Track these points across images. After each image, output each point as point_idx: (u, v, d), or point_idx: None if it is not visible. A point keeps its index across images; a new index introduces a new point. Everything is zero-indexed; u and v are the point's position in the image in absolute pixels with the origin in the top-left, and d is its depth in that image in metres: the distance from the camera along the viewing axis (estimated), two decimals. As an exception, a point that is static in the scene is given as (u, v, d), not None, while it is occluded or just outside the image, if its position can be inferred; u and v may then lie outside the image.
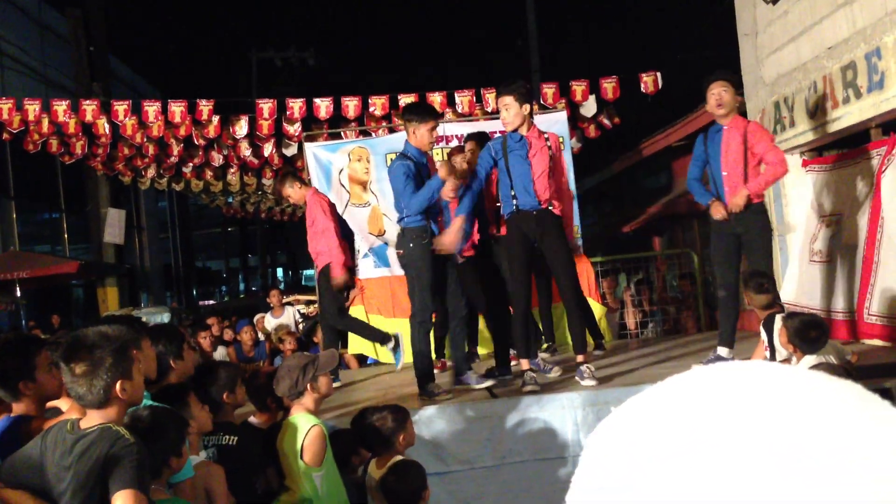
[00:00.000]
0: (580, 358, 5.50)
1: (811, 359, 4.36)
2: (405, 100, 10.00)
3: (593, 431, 0.66)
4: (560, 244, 5.54)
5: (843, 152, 7.06)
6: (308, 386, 3.96)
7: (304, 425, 3.83)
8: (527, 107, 5.46)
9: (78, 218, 18.97)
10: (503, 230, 5.92)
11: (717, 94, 5.63)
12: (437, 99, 9.88)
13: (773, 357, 4.76)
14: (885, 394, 3.45)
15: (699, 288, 10.12)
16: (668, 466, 0.56)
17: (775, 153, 5.55)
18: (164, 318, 11.44)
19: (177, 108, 10.20)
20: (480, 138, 6.74)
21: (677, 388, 0.64)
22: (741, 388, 0.60)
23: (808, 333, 4.38)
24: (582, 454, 0.65)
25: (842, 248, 6.81)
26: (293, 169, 7.08)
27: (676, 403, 0.62)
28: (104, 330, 2.69)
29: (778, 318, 4.88)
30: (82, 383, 2.58)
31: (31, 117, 10.13)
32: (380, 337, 6.69)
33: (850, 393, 0.60)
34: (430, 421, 5.05)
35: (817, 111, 6.81)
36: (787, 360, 4.49)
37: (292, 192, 6.83)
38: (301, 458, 3.76)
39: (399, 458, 4.03)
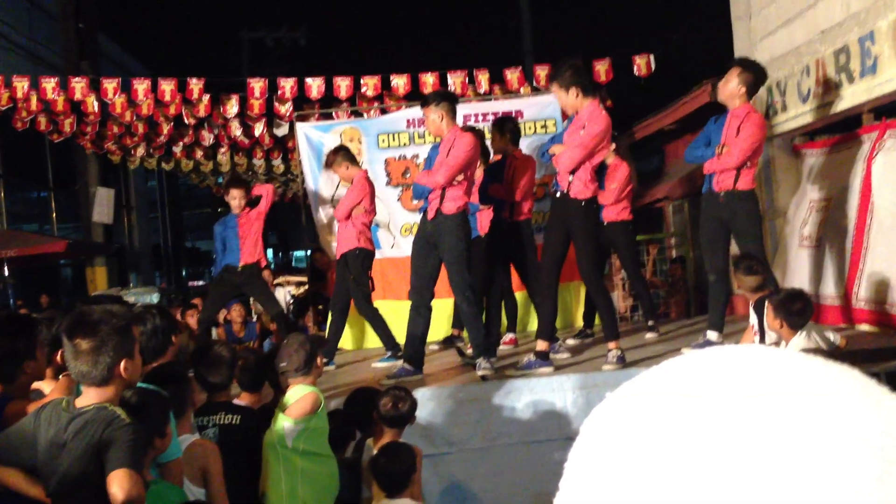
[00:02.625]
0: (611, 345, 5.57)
1: (801, 341, 4.37)
2: (397, 80, 9.95)
3: (587, 416, 0.65)
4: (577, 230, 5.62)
5: (835, 137, 7.06)
6: (316, 361, 4.01)
7: (302, 391, 3.85)
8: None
9: (67, 197, 18.86)
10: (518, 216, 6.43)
11: (724, 79, 5.69)
12: (429, 80, 9.83)
13: (762, 341, 4.77)
14: (875, 378, 3.46)
15: (690, 273, 10.15)
16: (667, 453, 0.56)
17: (730, 154, 5.55)
18: (153, 298, 11.41)
19: (167, 87, 10.13)
20: (500, 123, 6.87)
21: (672, 372, 0.63)
22: (737, 372, 0.59)
23: (793, 305, 4.40)
24: (576, 440, 0.64)
25: (831, 233, 6.82)
26: (342, 147, 7.15)
27: (673, 388, 0.61)
28: (110, 307, 2.68)
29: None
30: (86, 360, 2.57)
31: (19, 95, 10.03)
32: (391, 344, 6.70)
33: (847, 376, 0.59)
34: (421, 403, 5.03)
35: (810, 95, 6.80)
36: (776, 344, 4.51)
37: (341, 171, 6.96)
38: (285, 413, 3.78)
39: (391, 439, 4.04)
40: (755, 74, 5.67)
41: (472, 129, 6.33)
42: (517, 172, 6.56)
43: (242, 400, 4.19)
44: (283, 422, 3.77)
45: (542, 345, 5.56)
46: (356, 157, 7.20)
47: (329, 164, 7.27)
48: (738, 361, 0.61)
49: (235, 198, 6.99)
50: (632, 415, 0.61)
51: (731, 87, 5.65)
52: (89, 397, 2.61)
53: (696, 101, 9.80)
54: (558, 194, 5.59)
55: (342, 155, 6.98)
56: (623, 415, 0.62)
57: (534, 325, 7.38)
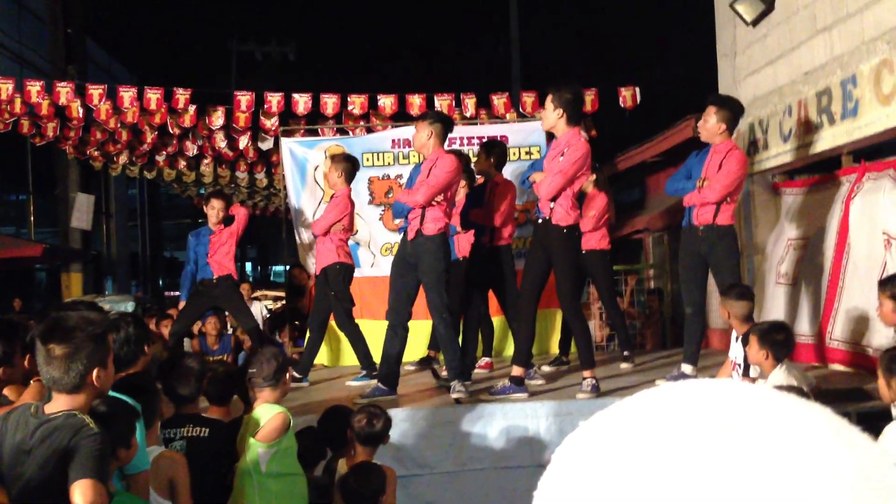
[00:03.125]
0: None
1: (781, 374, 4.37)
2: (384, 100, 9.97)
3: (559, 445, 0.65)
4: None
5: (814, 177, 7.15)
6: (285, 376, 3.97)
7: (270, 411, 3.80)
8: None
9: (46, 201, 18.70)
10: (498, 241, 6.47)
11: (702, 118, 5.78)
12: (416, 101, 9.86)
13: (746, 375, 4.77)
14: (846, 418, 3.47)
15: (666, 305, 10.20)
16: (639, 484, 0.56)
17: (711, 189, 5.60)
18: (128, 306, 11.30)
19: (153, 95, 10.09)
20: (489, 146, 6.90)
21: (646, 403, 0.63)
22: (711, 405, 0.60)
23: (777, 335, 4.42)
24: (548, 468, 0.64)
25: (808, 272, 6.89)
26: (353, 160, 7.11)
27: (646, 419, 0.61)
28: (86, 314, 2.65)
29: None
30: (58, 366, 2.53)
31: (3, 97, 9.96)
32: (367, 363, 6.66)
33: (821, 414, 0.59)
34: (393, 423, 5.02)
35: (791, 135, 6.89)
36: (754, 380, 4.52)
37: (332, 176, 6.91)
38: (254, 437, 3.73)
39: (364, 457, 4.02)
40: (732, 110, 5.75)
41: (456, 153, 6.35)
42: (497, 198, 6.59)
43: (211, 413, 4.15)
44: (257, 448, 3.73)
45: (517, 370, 5.56)
46: (353, 177, 7.11)
47: (331, 159, 7.24)
48: (712, 394, 0.61)
49: (215, 208, 6.96)
50: (604, 444, 0.61)
51: (710, 126, 5.72)
52: (59, 404, 2.57)
53: (679, 135, 9.90)
54: (540, 220, 5.61)
55: (344, 164, 6.90)
56: (595, 444, 0.62)
57: (510, 350, 7.38)
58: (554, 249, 5.52)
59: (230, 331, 9.12)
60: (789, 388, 4.04)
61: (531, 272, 5.69)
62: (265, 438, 3.74)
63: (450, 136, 7.62)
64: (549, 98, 5.50)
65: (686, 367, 5.85)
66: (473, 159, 7.30)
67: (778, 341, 4.40)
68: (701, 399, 0.61)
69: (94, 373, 2.58)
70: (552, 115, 5.48)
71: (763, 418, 0.57)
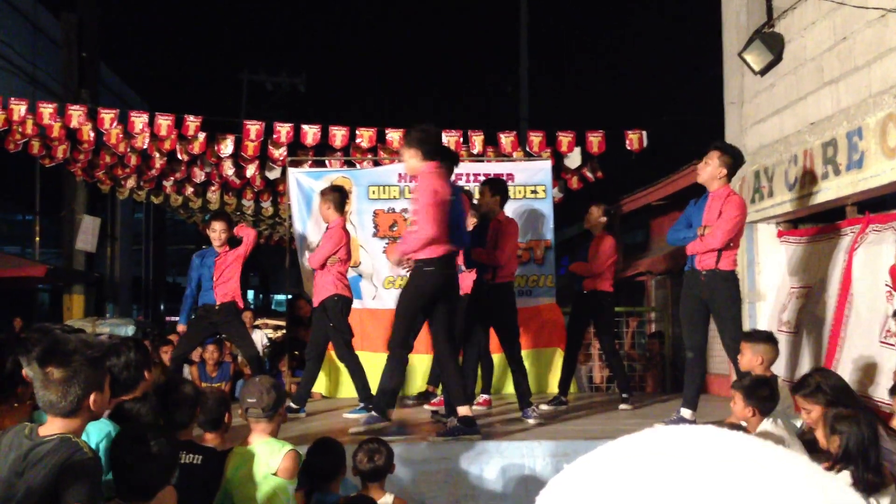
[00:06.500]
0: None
1: (769, 426, 4.36)
2: (392, 134, 10.04)
3: (545, 486, 0.66)
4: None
5: (818, 227, 7.17)
6: (283, 408, 3.97)
7: (279, 448, 3.76)
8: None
9: (52, 222, 18.75)
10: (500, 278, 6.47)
11: (703, 161, 5.85)
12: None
13: None
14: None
15: (667, 348, 10.17)
16: None
17: (713, 235, 5.63)
18: (129, 330, 11.27)
19: (164, 122, 10.17)
20: (496, 183, 6.90)
21: (626, 449, 0.64)
22: (692, 451, 0.61)
23: (761, 392, 4.40)
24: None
25: (810, 320, 6.88)
26: (339, 190, 7.14)
27: (629, 463, 0.62)
28: (84, 337, 2.64)
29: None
30: (56, 390, 2.52)
31: (15, 117, 10.04)
32: (365, 394, 6.64)
33: (797, 461, 0.61)
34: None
35: (796, 184, 6.92)
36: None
37: (323, 209, 6.98)
38: (276, 474, 3.70)
39: (374, 494, 4.01)
40: (734, 158, 5.84)
41: (461, 190, 6.39)
42: (501, 236, 6.60)
43: (206, 441, 4.12)
44: (289, 486, 3.70)
45: (463, 410, 5.42)
46: (345, 205, 7.15)
47: (321, 194, 7.27)
48: (694, 440, 0.63)
49: (216, 230, 6.85)
50: (586, 488, 0.62)
51: (711, 170, 5.79)
52: (54, 427, 2.56)
53: (684, 180, 9.95)
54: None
55: (332, 195, 6.94)
56: (577, 488, 0.63)
57: (509, 387, 7.36)
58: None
59: (230, 359, 9.10)
60: (774, 437, 4.07)
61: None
62: (291, 476, 3.72)
63: (456, 172, 7.72)
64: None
65: (685, 412, 5.82)
66: (477, 197, 7.32)
67: (764, 397, 4.39)
68: (682, 445, 0.62)
69: (92, 397, 2.57)
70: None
71: (739, 464, 0.59)
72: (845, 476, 3.35)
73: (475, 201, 7.24)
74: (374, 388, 6.34)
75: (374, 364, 7.04)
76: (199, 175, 11.98)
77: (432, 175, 5.42)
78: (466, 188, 7.75)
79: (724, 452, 0.61)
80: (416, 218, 5.42)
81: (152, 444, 2.88)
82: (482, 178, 8.01)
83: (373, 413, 5.63)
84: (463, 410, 5.34)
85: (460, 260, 6.45)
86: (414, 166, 5.56)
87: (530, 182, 8.76)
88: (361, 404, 6.58)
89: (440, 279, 5.43)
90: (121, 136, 10.49)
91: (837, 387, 4.38)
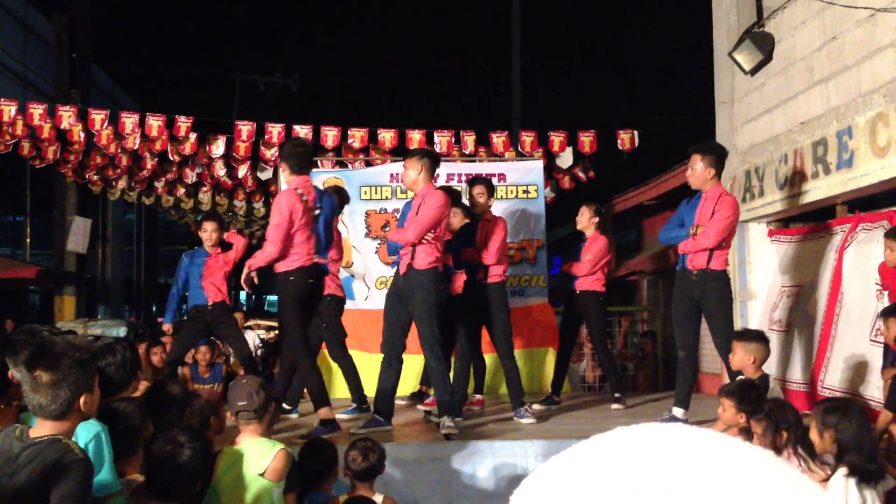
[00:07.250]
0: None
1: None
2: (384, 134, 10.04)
3: (517, 488, 0.67)
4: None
5: (809, 226, 7.20)
6: (272, 408, 3.96)
7: (270, 448, 3.73)
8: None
9: (43, 223, 18.68)
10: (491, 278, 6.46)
11: (689, 168, 5.91)
12: (416, 136, 9.93)
13: None
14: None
15: (659, 347, 10.19)
16: None
17: (705, 235, 5.65)
18: (121, 331, 11.24)
19: (155, 122, 10.15)
20: (490, 184, 6.92)
21: (598, 448, 0.65)
22: (666, 451, 0.61)
23: (750, 395, 4.40)
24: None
25: (801, 319, 6.91)
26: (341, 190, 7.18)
27: (595, 465, 0.62)
28: (71, 339, 2.64)
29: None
30: (46, 393, 2.51)
31: (5, 118, 10.00)
32: (358, 395, 6.66)
33: (764, 461, 0.61)
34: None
35: (786, 183, 6.95)
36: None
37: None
38: (263, 475, 3.67)
39: (363, 493, 4.01)
40: (716, 154, 5.87)
41: (446, 188, 6.39)
42: (489, 235, 6.60)
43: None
44: (274, 490, 3.67)
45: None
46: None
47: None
48: (668, 439, 0.63)
49: (207, 230, 6.84)
50: (558, 487, 0.62)
51: (699, 173, 5.81)
52: (44, 428, 2.56)
53: (676, 179, 9.97)
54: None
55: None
56: (549, 488, 0.63)
57: (502, 387, 7.37)
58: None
59: (222, 359, 9.08)
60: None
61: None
62: (277, 478, 3.66)
63: (448, 172, 7.68)
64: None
65: (677, 411, 5.84)
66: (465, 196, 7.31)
67: (754, 399, 4.39)
68: (656, 444, 0.62)
69: (82, 399, 2.57)
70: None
71: (712, 464, 0.59)
72: (842, 469, 3.29)
73: (465, 201, 7.24)
74: (367, 388, 6.36)
75: (367, 364, 7.05)
76: (191, 176, 11.95)
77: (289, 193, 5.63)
78: (457, 188, 7.75)
79: (694, 449, 0.62)
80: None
81: (186, 446, 2.96)
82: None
83: (376, 416, 5.70)
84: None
85: (450, 261, 6.48)
86: (287, 179, 5.76)
87: (522, 182, 8.76)
88: (354, 404, 6.59)
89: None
90: (111, 136, 10.45)
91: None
